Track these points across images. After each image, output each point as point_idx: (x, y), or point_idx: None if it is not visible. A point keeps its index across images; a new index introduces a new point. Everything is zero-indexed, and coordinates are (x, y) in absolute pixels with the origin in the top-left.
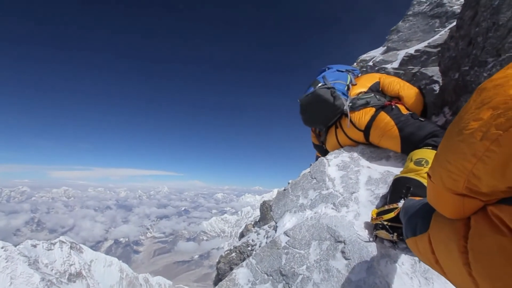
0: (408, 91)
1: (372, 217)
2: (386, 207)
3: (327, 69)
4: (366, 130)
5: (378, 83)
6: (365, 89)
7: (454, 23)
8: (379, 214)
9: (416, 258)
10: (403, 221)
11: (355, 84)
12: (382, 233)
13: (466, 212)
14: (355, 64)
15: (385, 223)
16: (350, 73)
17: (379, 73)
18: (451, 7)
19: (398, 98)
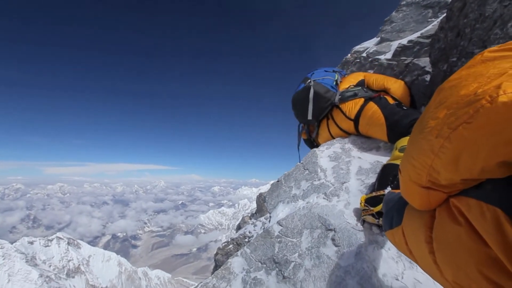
0: (394, 84)
1: (360, 203)
2: (374, 194)
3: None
4: (356, 120)
5: (363, 81)
6: (353, 83)
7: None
8: (367, 200)
9: None
10: (384, 213)
11: (342, 82)
12: (369, 218)
13: (432, 203)
14: (349, 55)
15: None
16: (337, 73)
17: (364, 72)
18: None
19: (385, 91)
